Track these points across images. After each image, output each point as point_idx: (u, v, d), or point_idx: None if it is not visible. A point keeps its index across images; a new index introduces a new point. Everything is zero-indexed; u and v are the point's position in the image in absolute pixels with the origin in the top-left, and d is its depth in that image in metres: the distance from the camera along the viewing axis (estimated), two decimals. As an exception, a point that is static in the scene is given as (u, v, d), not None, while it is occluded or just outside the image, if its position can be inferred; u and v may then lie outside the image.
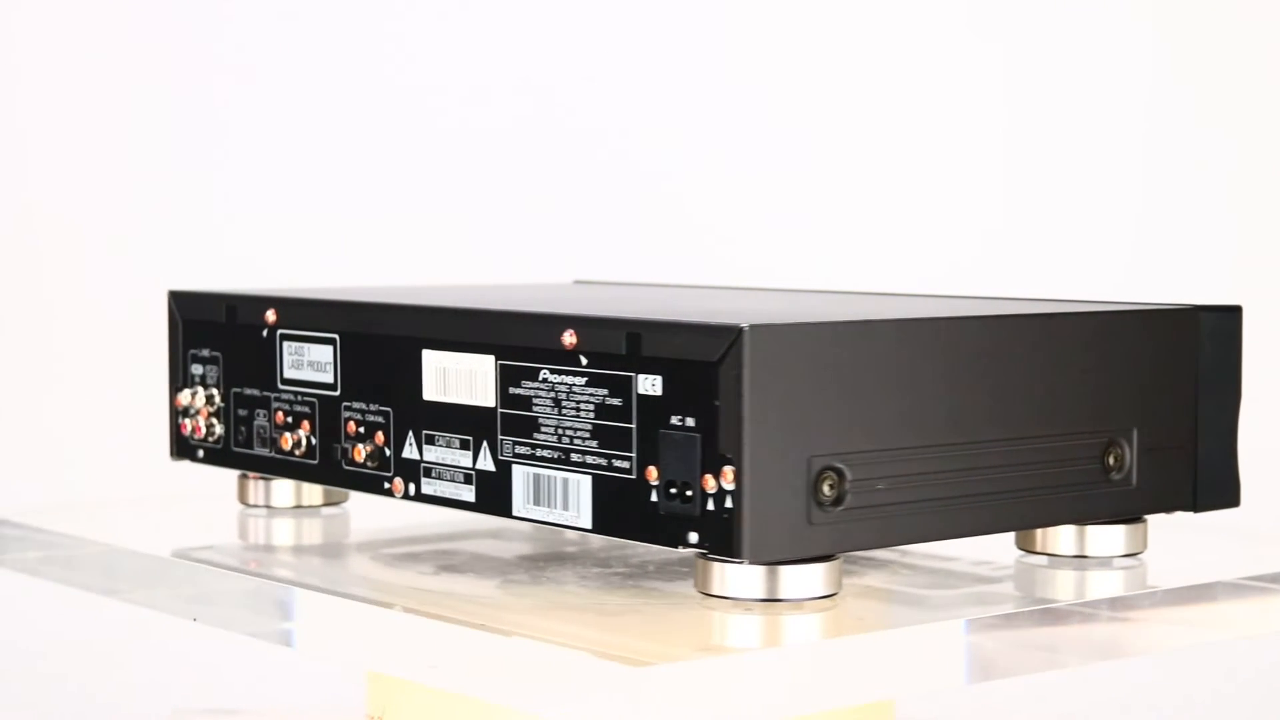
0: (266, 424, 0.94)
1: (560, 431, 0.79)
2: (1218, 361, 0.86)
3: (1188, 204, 1.74)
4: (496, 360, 0.82)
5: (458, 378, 0.84)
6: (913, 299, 0.94)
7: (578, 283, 1.16)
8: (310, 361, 0.92)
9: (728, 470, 0.72)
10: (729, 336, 0.72)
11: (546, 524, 0.80)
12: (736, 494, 0.72)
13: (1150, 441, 0.84)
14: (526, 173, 1.73)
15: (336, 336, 0.90)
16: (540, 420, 0.80)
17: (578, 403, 0.78)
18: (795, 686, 0.72)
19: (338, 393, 0.90)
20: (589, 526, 0.78)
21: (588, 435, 0.78)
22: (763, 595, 0.75)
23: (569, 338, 0.78)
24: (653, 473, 0.75)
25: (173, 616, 0.88)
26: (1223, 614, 0.84)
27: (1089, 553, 0.86)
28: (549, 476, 0.80)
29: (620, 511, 0.77)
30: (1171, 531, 0.90)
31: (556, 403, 0.79)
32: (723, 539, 0.73)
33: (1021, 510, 0.81)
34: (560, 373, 0.79)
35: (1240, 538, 0.92)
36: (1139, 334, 0.84)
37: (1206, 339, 0.86)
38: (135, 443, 1.39)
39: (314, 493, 0.98)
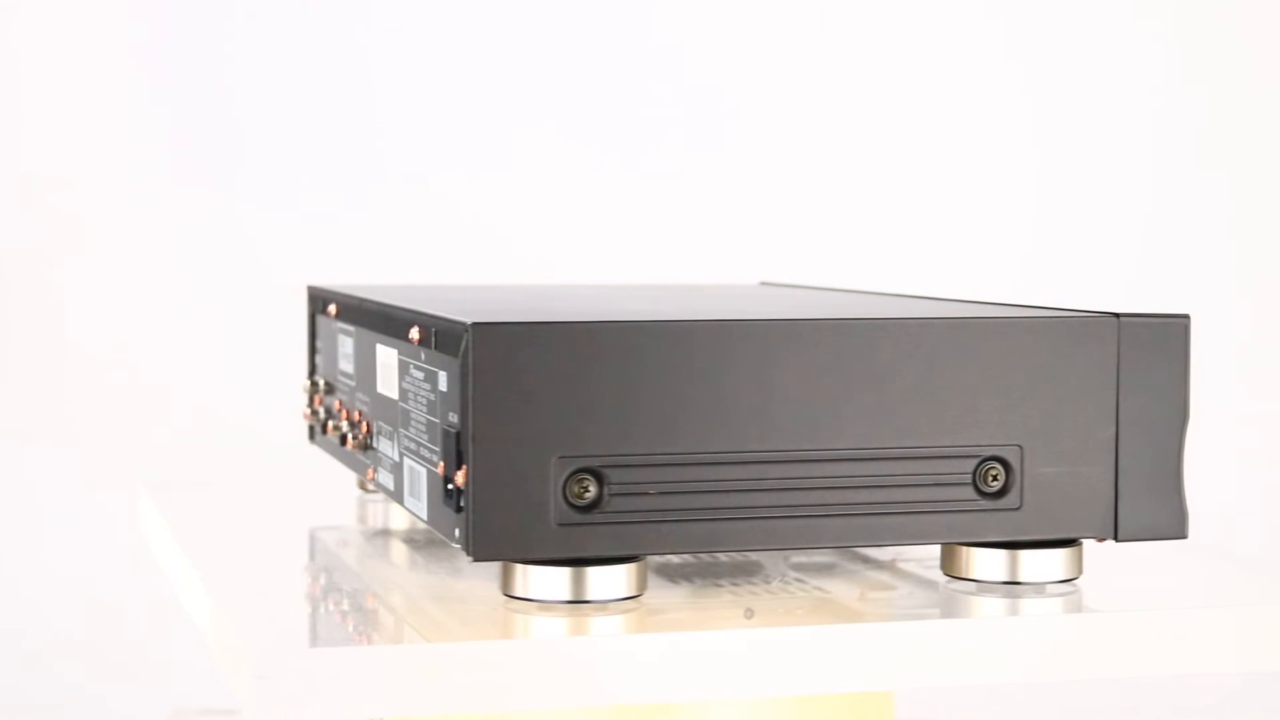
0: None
1: (416, 425, 0.81)
2: (1149, 375, 0.78)
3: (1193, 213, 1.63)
4: (398, 355, 0.84)
5: (387, 371, 0.87)
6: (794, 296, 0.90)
7: (763, 284, 1.15)
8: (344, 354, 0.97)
9: (466, 468, 0.73)
10: (461, 334, 0.72)
11: (415, 515, 0.82)
12: (467, 491, 0.72)
13: (1046, 461, 0.77)
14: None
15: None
16: (412, 414, 0.82)
17: (422, 397, 0.80)
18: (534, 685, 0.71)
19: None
20: (426, 519, 0.79)
21: (423, 429, 0.79)
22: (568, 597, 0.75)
23: (414, 333, 0.80)
24: (440, 468, 0.76)
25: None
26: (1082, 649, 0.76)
27: (1021, 578, 0.79)
28: (412, 469, 0.82)
29: (435, 506, 0.78)
30: (1126, 559, 0.82)
31: (416, 397, 0.81)
32: (460, 536, 0.73)
33: (858, 525, 0.76)
34: (416, 368, 0.81)
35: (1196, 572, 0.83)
36: (1024, 343, 0.77)
37: (1130, 350, 0.78)
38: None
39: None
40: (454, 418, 0.74)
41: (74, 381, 1.74)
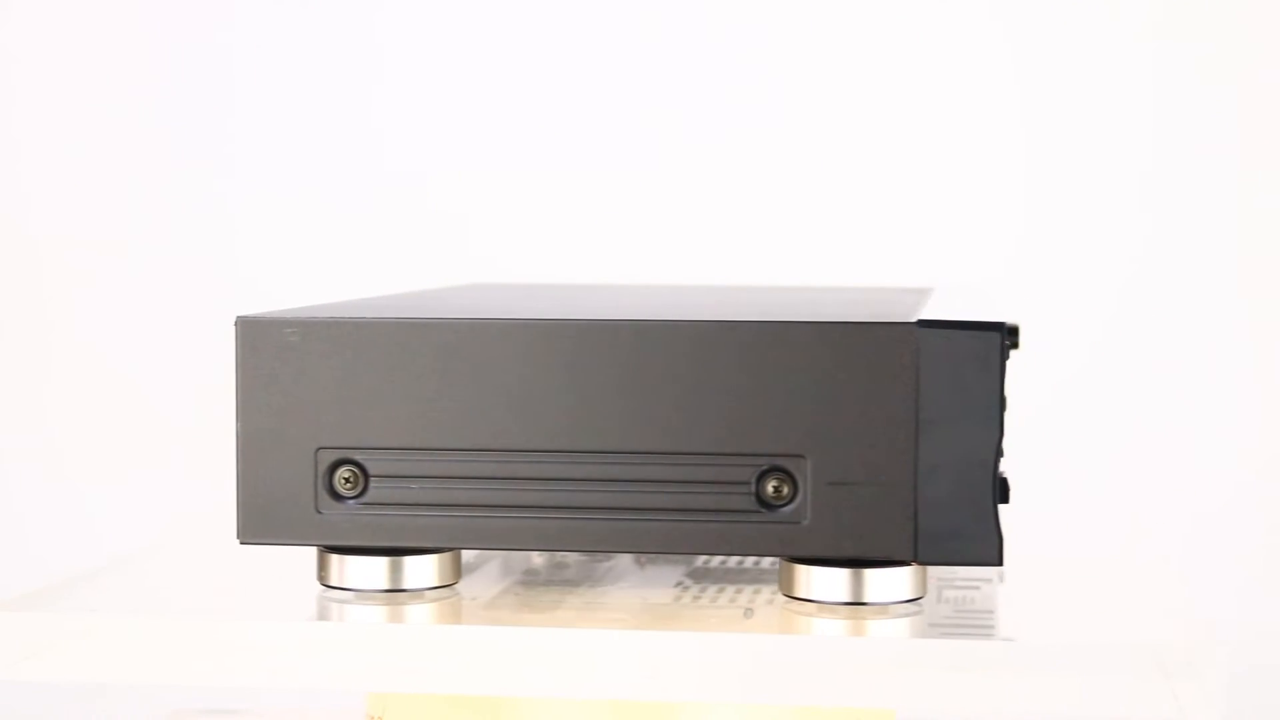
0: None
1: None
2: (954, 390, 0.73)
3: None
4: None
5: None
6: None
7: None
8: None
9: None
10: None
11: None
12: (237, 478, 0.76)
13: (836, 475, 0.73)
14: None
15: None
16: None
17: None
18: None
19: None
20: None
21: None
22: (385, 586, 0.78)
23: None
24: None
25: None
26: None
27: (866, 599, 0.76)
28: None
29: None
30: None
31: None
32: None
33: (627, 529, 0.75)
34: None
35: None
36: (810, 350, 0.73)
37: (930, 362, 0.73)
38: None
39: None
40: (251, 408, 0.78)
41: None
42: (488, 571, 0.85)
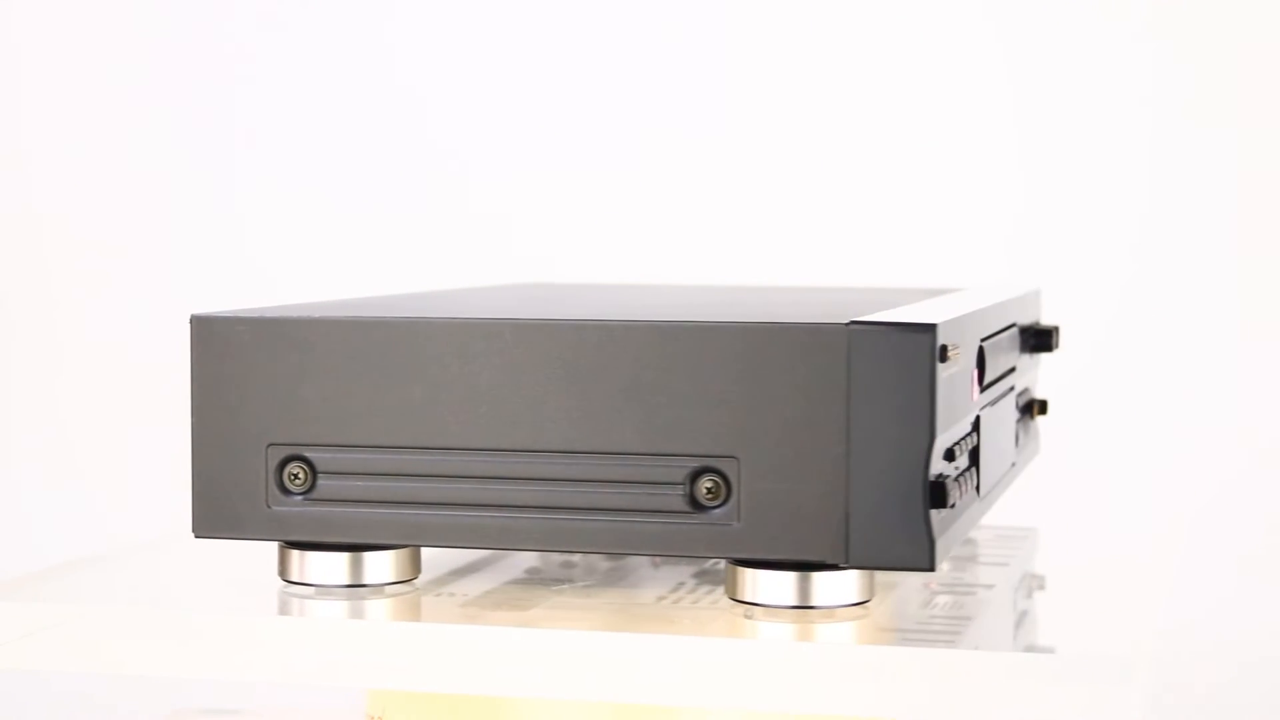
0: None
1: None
2: (885, 390, 0.72)
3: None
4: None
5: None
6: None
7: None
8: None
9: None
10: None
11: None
12: (192, 473, 0.78)
13: (766, 476, 0.73)
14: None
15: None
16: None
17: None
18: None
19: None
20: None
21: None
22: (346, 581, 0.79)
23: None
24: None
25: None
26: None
27: (814, 602, 0.75)
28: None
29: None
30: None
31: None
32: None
33: (565, 528, 0.75)
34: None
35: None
36: (741, 350, 0.73)
37: (861, 361, 0.72)
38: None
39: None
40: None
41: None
42: (489, 570, 0.86)
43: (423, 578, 0.81)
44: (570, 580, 0.84)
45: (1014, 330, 0.93)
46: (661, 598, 0.81)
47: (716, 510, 0.74)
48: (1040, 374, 1.05)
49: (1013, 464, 0.94)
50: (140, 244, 1.70)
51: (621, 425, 0.74)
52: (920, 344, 0.72)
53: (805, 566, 0.74)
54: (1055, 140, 1.59)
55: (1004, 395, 0.90)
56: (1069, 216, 1.59)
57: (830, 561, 0.73)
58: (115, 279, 1.70)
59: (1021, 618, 0.80)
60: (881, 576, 0.86)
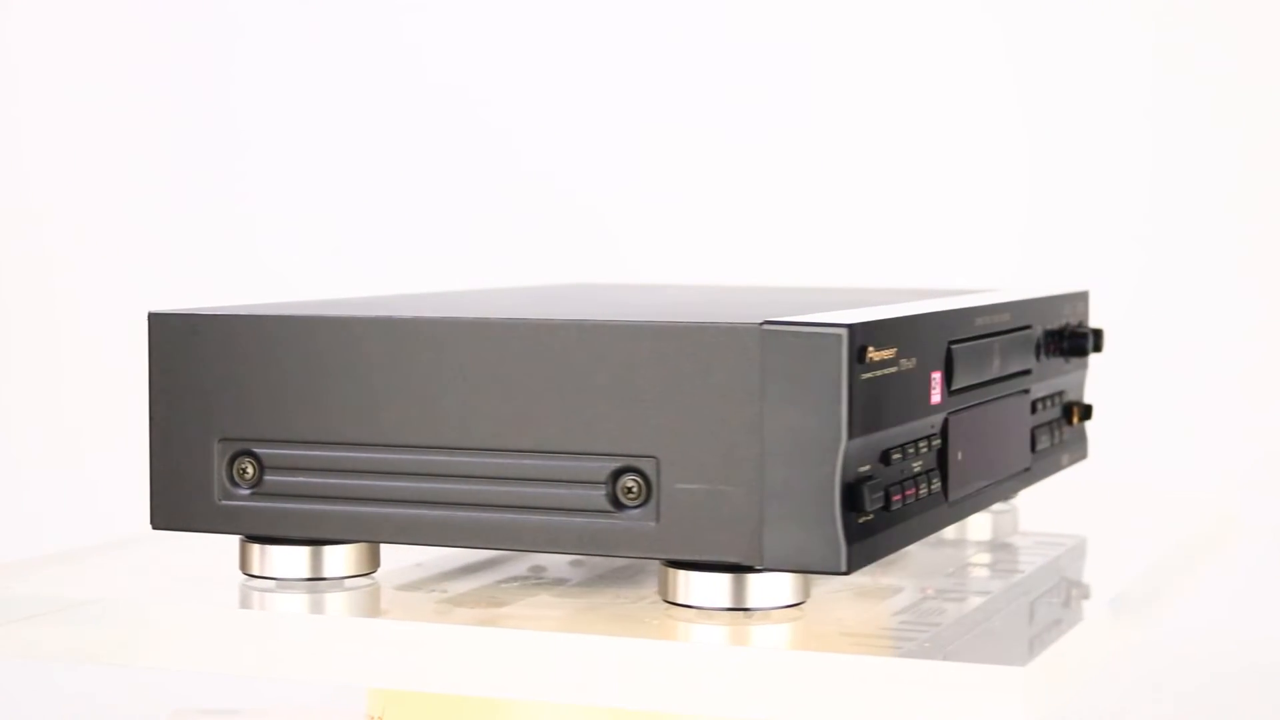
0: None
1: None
2: (797, 391, 0.70)
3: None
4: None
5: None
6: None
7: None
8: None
9: (151, 445, 0.81)
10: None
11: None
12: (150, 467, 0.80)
13: (685, 476, 0.72)
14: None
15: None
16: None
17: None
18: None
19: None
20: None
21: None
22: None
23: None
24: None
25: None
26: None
27: (750, 604, 0.75)
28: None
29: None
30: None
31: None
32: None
33: (491, 526, 0.75)
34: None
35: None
36: (659, 350, 0.72)
37: (774, 362, 0.71)
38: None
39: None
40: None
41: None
42: (450, 564, 0.87)
43: (381, 570, 0.82)
44: (536, 577, 0.84)
45: (1028, 333, 0.91)
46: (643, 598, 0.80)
47: (635, 510, 0.73)
48: (1084, 377, 1.02)
49: (1026, 469, 0.92)
50: (141, 244, 1.71)
51: (547, 424, 0.74)
52: (831, 345, 0.71)
53: (725, 568, 0.73)
54: (1108, 144, 1.56)
55: (1002, 398, 0.88)
56: (1122, 220, 1.56)
57: (746, 563, 0.72)
58: (115, 279, 1.71)
59: (974, 625, 0.78)
60: (888, 580, 0.85)
